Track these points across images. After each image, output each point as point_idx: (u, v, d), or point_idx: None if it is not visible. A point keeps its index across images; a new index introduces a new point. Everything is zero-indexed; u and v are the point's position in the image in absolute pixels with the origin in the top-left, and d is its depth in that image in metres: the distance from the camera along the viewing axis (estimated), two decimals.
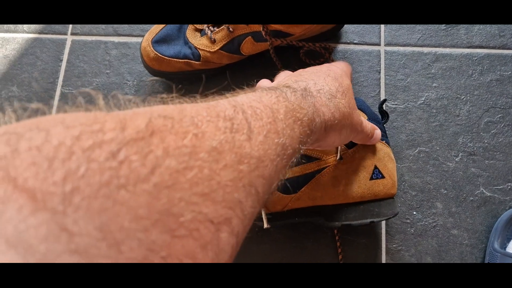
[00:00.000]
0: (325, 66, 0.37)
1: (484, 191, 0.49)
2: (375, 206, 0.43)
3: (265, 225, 0.43)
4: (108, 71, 0.56)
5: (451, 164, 0.50)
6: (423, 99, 0.52)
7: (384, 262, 0.48)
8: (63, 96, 0.56)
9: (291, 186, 0.42)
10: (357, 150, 0.42)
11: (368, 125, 0.39)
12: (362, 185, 0.43)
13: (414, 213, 0.49)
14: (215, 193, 0.18)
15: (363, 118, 0.39)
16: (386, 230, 0.49)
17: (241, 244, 0.22)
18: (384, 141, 0.44)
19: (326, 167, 0.42)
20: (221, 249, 0.18)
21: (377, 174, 0.43)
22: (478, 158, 0.50)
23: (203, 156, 0.18)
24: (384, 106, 0.43)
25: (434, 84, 0.53)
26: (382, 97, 0.53)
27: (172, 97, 0.21)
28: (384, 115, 0.46)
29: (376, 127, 0.41)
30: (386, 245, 0.48)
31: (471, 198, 0.49)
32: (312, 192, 0.42)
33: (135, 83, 0.56)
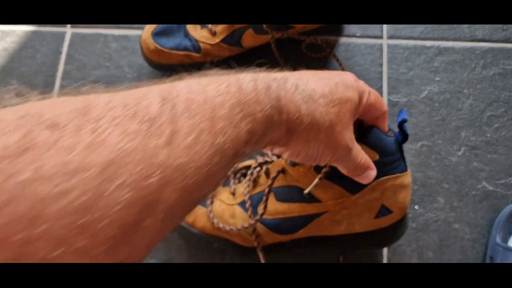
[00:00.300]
0: (342, 72, 0.31)
1: (486, 185, 0.49)
2: (379, 235, 0.40)
3: (262, 261, 0.42)
4: (107, 64, 0.56)
5: (453, 159, 0.50)
6: (425, 92, 0.52)
7: (385, 256, 0.47)
8: (62, 89, 0.55)
9: (288, 225, 0.40)
10: (362, 196, 0.37)
11: (362, 158, 0.32)
12: (364, 223, 0.39)
13: (416, 207, 0.49)
14: (97, 222, 0.15)
15: (361, 150, 0.32)
16: None
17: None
18: (396, 172, 0.38)
19: (326, 212, 0.39)
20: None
21: (383, 212, 0.39)
22: (481, 152, 0.50)
23: (91, 174, 0.15)
24: (405, 125, 0.38)
25: (437, 78, 0.52)
26: (385, 91, 0.52)
27: (87, 88, 0.18)
28: (403, 136, 0.38)
29: (373, 167, 0.34)
30: None
31: (473, 193, 0.49)
32: (311, 233, 0.41)
33: (135, 75, 0.55)
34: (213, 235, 0.43)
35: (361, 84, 0.31)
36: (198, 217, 0.43)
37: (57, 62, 0.57)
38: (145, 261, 0.49)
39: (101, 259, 0.15)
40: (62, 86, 0.56)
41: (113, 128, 0.16)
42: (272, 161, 0.42)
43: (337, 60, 0.52)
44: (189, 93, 0.20)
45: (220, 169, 0.20)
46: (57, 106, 0.17)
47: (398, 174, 0.38)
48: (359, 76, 0.53)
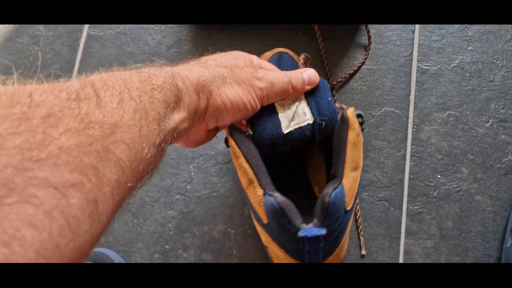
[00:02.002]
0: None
1: None
2: None
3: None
4: None
5: (480, 130, 0.49)
6: (457, 62, 0.51)
7: (404, 223, 0.47)
8: (89, 38, 0.55)
9: None
10: None
11: (280, 75, 0.35)
12: None
13: (438, 176, 0.48)
14: (55, 158, 0.17)
15: (275, 72, 0.36)
16: (408, 192, 0.48)
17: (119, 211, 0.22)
18: None
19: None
20: (73, 216, 0.17)
21: None
22: (509, 125, 0.49)
23: (36, 123, 0.17)
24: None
25: (470, 47, 0.51)
26: (415, 58, 0.51)
27: (13, 79, 0.20)
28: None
29: (305, 69, 0.37)
30: (407, 207, 0.48)
31: (498, 165, 0.48)
32: None
33: (162, 28, 0.55)
34: None
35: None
36: None
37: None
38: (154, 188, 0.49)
39: (68, 195, 0.17)
40: (89, 35, 0.55)
41: (45, 95, 0.18)
42: None
43: (366, 27, 0.51)
44: (101, 75, 0.23)
45: (151, 132, 0.23)
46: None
47: None
48: (390, 41, 0.52)
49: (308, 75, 0.37)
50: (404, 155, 0.49)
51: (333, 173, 0.36)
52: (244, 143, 0.34)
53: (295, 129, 0.36)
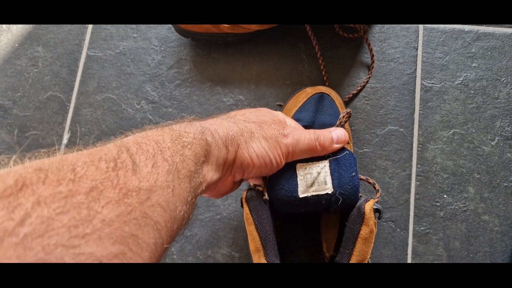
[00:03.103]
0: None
1: None
2: None
3: (266, 197, 0.39)
4: (135, 35, 0.55)
5: (486, 148, 0.48)
6: (461, 79, 0.50)
7: (410, 244, 0.46)
8: (89, 59, 0.55)
9: None
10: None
11: (308, 133, 0.36)
12: None
13: (445, 196, 0.47)
14: (99, 231, 0.18)
15: (303, 129, 0.37)
16: (415, 212, 0.47)
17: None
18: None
19: None
20: None
21: None
22: None
23: (81, 199, 0.18)
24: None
25: (474, 64, 0.50)
26: (419, 75, 0.50)
27: (54, 149, 0.21)
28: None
29: (335, 128, 0.38)
30: (414, 228, 0.47)
31: (505, 184, 0.47)
32: None
33: (162, 48, 0.54)
34: None
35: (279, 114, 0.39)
36: None
37: (84, 31, 0.56)
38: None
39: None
40: (88, 56, 0.55)
41: (87, 167, 0.20)
42: None
43: (368, 45, 0.50)
44: (136, 138, 0.25)
45: (183, 190, 0.25)
46: (36, 161, 0.20)
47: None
48: (393, 59, 0.51)
49: (337, 134, 0.37)
50: (410, 175, 0.48)
51: (338, 259, 0.36)
52: (258, 212, 0.35)
53: (312, 196, 0.36)
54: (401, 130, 0.49)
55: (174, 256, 0.48)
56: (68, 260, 0.17)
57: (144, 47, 0.54)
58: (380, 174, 0.48)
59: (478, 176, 0.48)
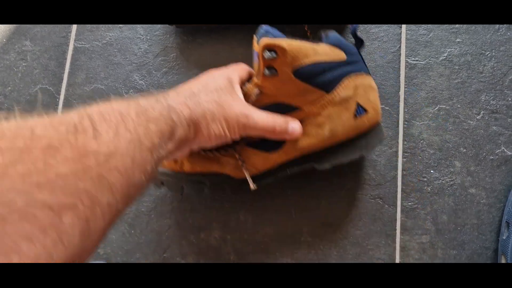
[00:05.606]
0: (205, 73, 0.41)
1: (505, 150, 0.48)
2: (362, 140, 0.43)
3: (252, 187, 0.42)
4: (121, 26, 0.55)
5: (472, 122, 0.49)
6: (445, 55, 0.50)
7: (399, 220, 0.47)
8: (76, 51, 0.55)
9: (274, 141, 0.41)
10: (338, 93, 0.40)
11: (267, 118, 0.38)
12: (346, 126, 0.41)
13: (432, 171, 0.48)
14: (53, 183, 0.19)
15: (267, 114, 0.39)
16: (402, 188, 0.48)
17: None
18: (362, 72, 0.42)
19: (308, 118, 0.41)
20: (64, 232, 0.19)
21: (360, 111, 0.41)
22: (501, 116, 0.48)
23: (37, 153, 0.19)
24: (358, 32, 0.42)
25: (458, 39, 0.51)
26: (403, 53, 0.51)
27: (13, 114, 0.22)
28: (358, 41, 0.42)
29: (293, 119, 0.40)
30: (402, 203, 0.48)
31: (491, 157, 0.48)
32: (297, 144, 0.41)
33: (148, 37, 0.54)
34: (202, 172, 0.43)
35: (234, 67, 0.42)
36: (185, 160, 0.44)
37: (70, 24, 0.56)
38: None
39: (62, 214, 0.19)
40: (75, 48, 0.55)
41: (46, 129, 0.21)
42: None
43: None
44: (99, 107, 0.25)
45: (144, 160, 0.26)
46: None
47: (364, 74, 0.42)
48: (377, 37, 0.51)
49: (293, 127, 0.40)
50: (396, 152, 0.49)
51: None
52: None
53: None
54: (387, 108, 0.50)
55: (168, 241, 0.49)
56: (20, 204, 0.18)
57: (130, 37, 0.55)
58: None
59: (464, 150, 0.48)
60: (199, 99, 0.35)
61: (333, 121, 0.41)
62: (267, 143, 0.41)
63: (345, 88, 0.41)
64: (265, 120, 0.38)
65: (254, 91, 0.40)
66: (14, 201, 0.18)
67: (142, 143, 0.26)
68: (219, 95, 0.37)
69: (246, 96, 0.40)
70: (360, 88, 0.41)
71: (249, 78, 0.43)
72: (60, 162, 0.20)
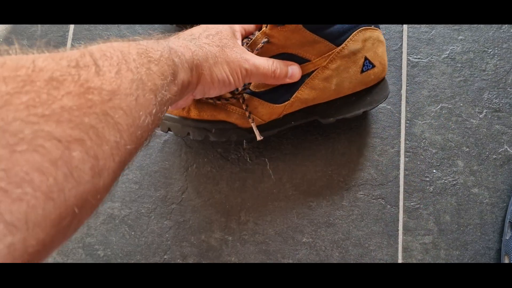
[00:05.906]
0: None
1: (508, 149, 0.47)
2: (367, 95, 0.44)
3: (258, 137, 0.43)
4: (119, 25, 0.55)
5: (474, 121, 0.48)
6: (447, 52, 0.50)
7: (401, 220, 0.47)
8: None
9: (282, 91, 0.42)
10: (347, 46, 0.41)
11: (267, 62, 0.39)
12: (353, 80, 0.42)
13: (434, 171, 0.48)
14: (58, 115, 0.18)
15: (268, 58, 0.39)
16: (404, 188, 0.47)
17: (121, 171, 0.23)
18: (372, 25, 0.42)
19: (316, 69, 0.41)
20: (74, 166, 0.19)
21: (367, 65, 0.42)
22: (504, 114, 0.48)
23: (40, 85, 0.18)
24: None
25: (460, 37, 0.50)
26: (405, 51, 0.50)
27: (15, 48, 0.21)
28: None
29: (292, 63, 0.41)
30: (404, 203, 0.47)
31: (494, 156, 0.47)
32: (304, 96, 0.42)
33: (147, 36, 0.54)
34: (209, 119, 0.44)
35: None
36: (192, 107, 0.44)
37: (67, 28, 0.55)
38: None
39: (71, 148, 0.18)
40: (73, 47, 0.55)
41: (47, 62, 0.20)
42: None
43: None
44: (100, 46, 0.24)
45: (148, 101, 0.25)
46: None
47: (373, 27, 0.42)
48: None
49: (292, 70, 0.40)
50: (398, 151, 0.48)
51: None
52: None
53: None
54: (389, 107, 0.49)
55: (169, 242, 0.49)
56: (27, 134, 0.17)
57: (128, 36, 0.54)
58: (369, 152, 0.48)
59: (467, 149, 0.48)
60: (200, 42, 0.35)
61: (340, 75, 0.42)
62: (273, 94, 0.42)
63: (355, 41, 0.41)
64: (265, 64, 0.38)
65: (262, 39, 0.40)
66: (21, 131, 0.17)
67: (145, 84, 0.25)
68: (220, 38, 0.36)
69: (254, 44, 0.40)
70: (369, 41, 0.42)
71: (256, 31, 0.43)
72: (64, 96, 0.19)
